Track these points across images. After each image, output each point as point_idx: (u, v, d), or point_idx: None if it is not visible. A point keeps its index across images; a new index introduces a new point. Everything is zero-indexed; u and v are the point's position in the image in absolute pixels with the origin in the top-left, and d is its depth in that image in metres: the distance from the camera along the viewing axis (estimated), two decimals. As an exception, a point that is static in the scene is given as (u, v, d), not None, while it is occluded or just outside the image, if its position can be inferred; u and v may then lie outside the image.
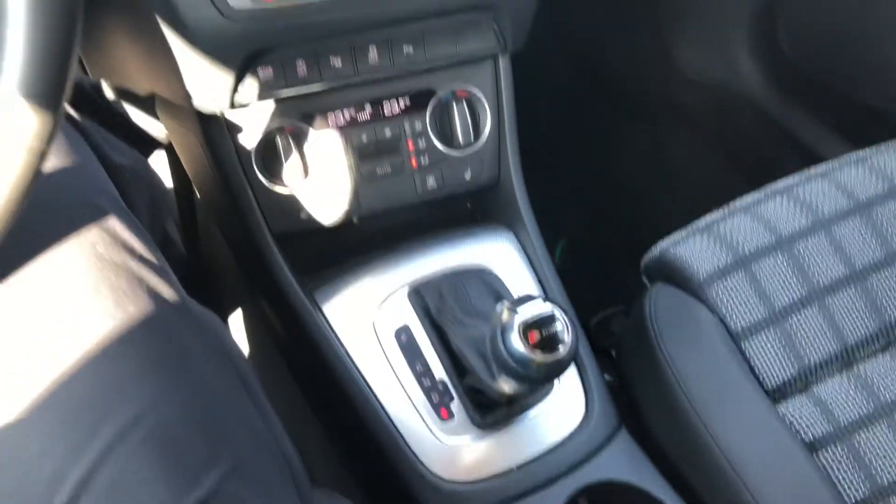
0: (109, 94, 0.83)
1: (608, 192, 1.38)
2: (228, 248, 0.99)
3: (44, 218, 0.44)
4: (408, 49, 0.77)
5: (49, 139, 0.41)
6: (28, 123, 0.40)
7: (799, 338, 0.75)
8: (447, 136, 0.84)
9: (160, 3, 0.64)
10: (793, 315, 0.76)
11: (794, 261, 0.78)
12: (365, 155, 0.82)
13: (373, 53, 0.76)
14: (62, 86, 0.41)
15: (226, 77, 0.71)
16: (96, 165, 0.58)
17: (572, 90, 1.37)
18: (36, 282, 0.47)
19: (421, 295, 0.79)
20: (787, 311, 0.76)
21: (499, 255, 0.85)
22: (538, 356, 0.61)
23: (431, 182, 0.85)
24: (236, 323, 1.07)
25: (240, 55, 0.70)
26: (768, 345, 0.74)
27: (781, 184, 0.87)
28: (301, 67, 0.74)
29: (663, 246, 0.83)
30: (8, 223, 0.41)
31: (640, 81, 1.38)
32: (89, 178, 0.54)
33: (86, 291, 0.47)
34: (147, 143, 0.81)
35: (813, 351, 0.75)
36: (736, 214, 0.83)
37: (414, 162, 0.84)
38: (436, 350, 0.76)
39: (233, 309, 1.07)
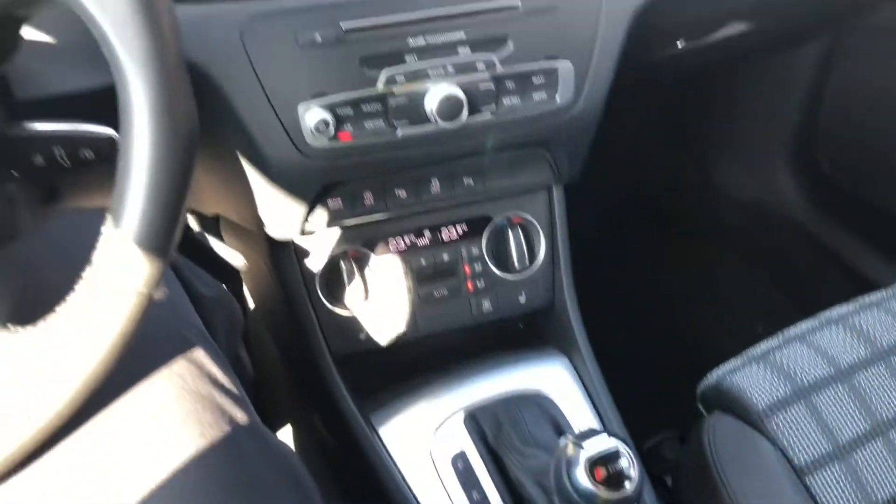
0: (194, 225, 0.88)
1: (654, 309, 1.39)
2: (281, 362, 1.01)
3: (138, 350, 0.47)
4: (468, 181, 0.81)
5: (157, 283, 0.44)
6: (140, 269, 0.43)
7: (866, 475, 0.73)
8: (503, 261, 0.87)
9: (244, 144, 0.69)
10: (858, 450, 0.74)
11: (855, 393, 0.78)
12: (423, 278, 0.85)
13: (435, 185, 0.80)
14: (174, 235, 0.44)
15: (298, 208, 0.75)
16: (184, 298, 0.61)
17: (617, 209, 1.40)
18: (129, 411, 0.49)
19: (477, 420, 0.79)
20: (852, 445, 0.74)
21: (554, 380, 0.85)
22: (604, 493, 0.60)
23: (487, 305, 0.87)
24: (284, 431, 1.08)
25: (313, 188, 0.74)
26: (834, 481, 0.73)
27: (836, 312, 0.87)
28: (368, 198, 0.78)
29: (719, 374, 0.83)
30: (115, 362, 0.43)
31: (682, 200, 1.42)
32: (178, 312, 0.57)
33: (174, 423, 0.49)
34: (225, 271, 0.86)
35: (880, 488, 0.73)
36: (792, 343, 0.83)
37: (470, 285, 0.86)
38: (493, 479, 0.76)
39: (281, 419, 1.08)
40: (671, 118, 1.34)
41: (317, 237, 0.80)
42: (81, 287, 0.43)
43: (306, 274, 0.81)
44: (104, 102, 0.68)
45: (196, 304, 0.63)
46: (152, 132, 0.41)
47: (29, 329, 0.43)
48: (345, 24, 0.67)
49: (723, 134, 1.37)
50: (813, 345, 0.83)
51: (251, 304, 1.04)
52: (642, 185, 1.43)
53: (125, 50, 0.41)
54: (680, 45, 0.91)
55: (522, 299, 0.88)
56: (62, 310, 0.43)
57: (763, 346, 0.85)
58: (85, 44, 0.63)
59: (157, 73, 0.41)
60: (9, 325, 0.44)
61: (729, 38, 0.96)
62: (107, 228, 0.43)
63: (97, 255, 0.44)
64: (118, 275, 0.43)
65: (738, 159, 1.39)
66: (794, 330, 0.87)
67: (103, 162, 0.58)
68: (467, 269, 0.86)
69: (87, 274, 0.44)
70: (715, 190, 1.41)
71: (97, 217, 0.56)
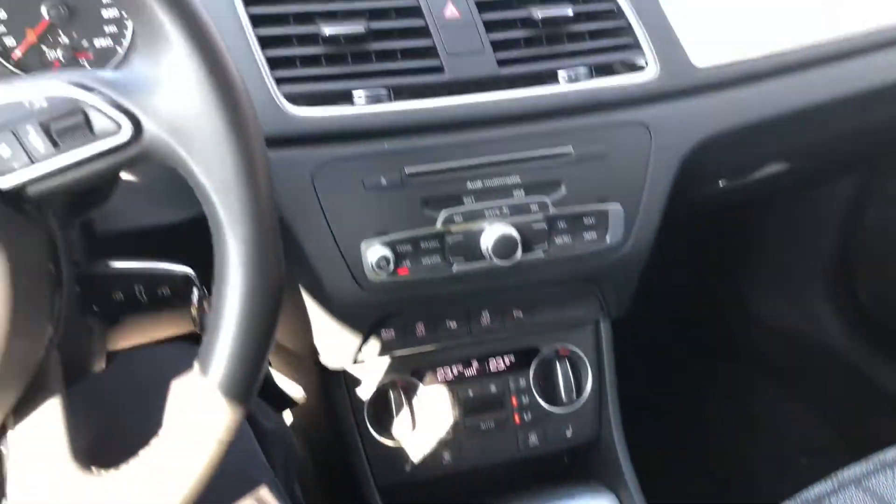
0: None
1: (698, 440, 1.36)
2: (317, 488, 1.00)
3: (208, 487, 0.47)
4: (518, 314, 0.82)
5: (236, 431, 0.45)
6: (224, 419, 0.44)
7: None
8: (550, 394, 0.87)
9: (308, 278, 0.72)
10: None
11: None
12: (470, 409, 0.85)
13: (486, 318, 0.81)
14: (257, 385, 0.45)
15: (353, 338, 0.77)
16: (250, 434, 0.62)
17: (659, 338, 1.41)
18: None
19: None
20: None
21: (602, 518, 0.84)
22: None
23: (533, 438, 0.86)
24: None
25: (369, 320, 0.76)
26: None
27: (890, 455, 0.85)
28: (420, 329, 0.80)
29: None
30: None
31: (723, 329, 1.42)
32: (245, 449, 0.58)
33: None
34: (284, 402, 0.87)
35: None
36: (847, 488, 0.81)
37: (517, 418, 0.86)
38: None
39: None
40: (710, 248, 1.37)
41: (367, 366, 0.82)
42: (164, 433, 0.45)
43: (355, 402, 0.82)
44: (179, 236, 0.72)
45: (259, 436, 0.63)
46: (245, 291, 0.44)
47: (112, 472, 0.44)
48: (408, 169, 0.70)
49: (761, 263, 1.38)
50: (870, 490, 0.81)
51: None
52: (684, 314, 1.44)
53: (227, 214, 0.44)
54: (721, 184, 0.95)
55: (569, 433, 0.87)
56: (145, 455, 0.44)
57: (816, 490, 0.83)
58: (162, 181, 0.67)
59: (254, 237, 0.44)
60: (92, 467, 0.45)
61: (767, 177, 0.99)
62: (193, 376, 0.45)
63: (181, 402, 0.45)
64: (202, 423, 0.44)
65: (776, 288, 1.39)
66: (847, 473, 0.85)
67: (179, 298, 0.61)
68: (514, 400, 0.86)
69: (170, 419, 0.45)
70: (755, 318, 1.41)
71: (171, 352, 0.58)
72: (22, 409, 0.46)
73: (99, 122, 0.43)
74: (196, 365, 0.45)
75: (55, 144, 0.43)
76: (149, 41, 0.43)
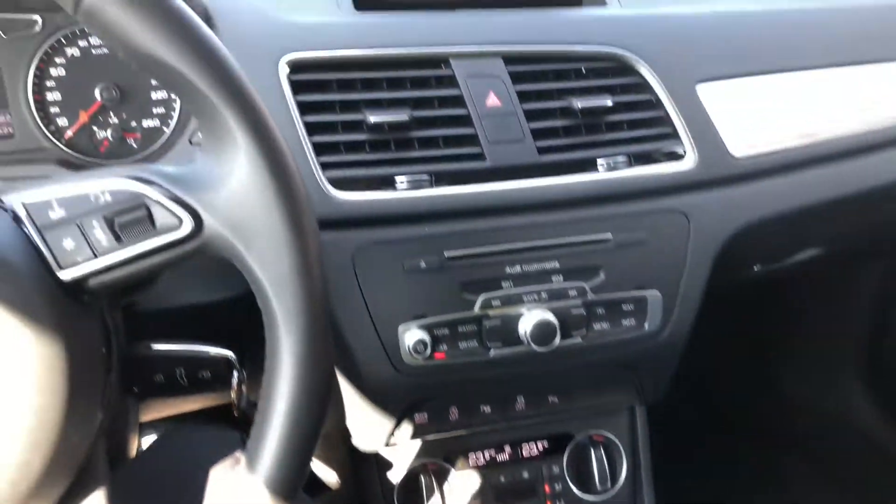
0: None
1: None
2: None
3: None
4: (553, 399, 0.81)
5: None
6: None
7: None
8: (584, 481, 0.85)
9: (343, 360, 0.71)
10: None
11: None
12: (501, 496, 0.83)
13: (520, 402, 0.80)
14: (304, 479, 0.45)
15: (386, 421, 0.76)
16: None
17: (691, 418, 1.38)
18: None
19: None
20: None
21: None
22: None
23: (567, 527, 0.84)
24: None
25: (403, 403, 0.75)
26: None
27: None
28: (453, 413, 0.78)
29: None
30: None
31: (755, 409, 1.39)
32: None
33: None
34: (318, 488, 0.86)
35: None
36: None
37: (550, 506, 0.84)
38: None
39: None
40: (740, 327, 1.35)
41: (398, 449, 0.80)
42: None
43: (385, 486, 0.81)
44: (217, 315, 0.72)
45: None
46: (296, 388, 0.44)
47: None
48: (448, 253, 0.71)
49: (792, 342, 1.36)
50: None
51: None
52: (712, 393, 1.41)
53: (281, 309, 0.44)
54: (756, 268, 0.94)
55: (603, 522, 0.85)
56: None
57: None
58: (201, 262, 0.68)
59: (307, 334, 0.44)
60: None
61: (801, 262, 0.98)
62: (239, 470, 0.44)
63: (225, 495, 0.45)
64: None
65: (809, 369, 1.37)
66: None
67: (219, 382, 0.61)
68: (547, 487, 0.84)
69: None
70: (785, 398, 1.39)
71: (210, 437, 0.58)
72: (68, 502, 0.45)
73: (161, 216, 0.44)
74: (243, 459, 0.45)
75: (118, 238, 0.43)
76: (214, 140, 0.44)
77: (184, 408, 0.75)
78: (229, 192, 0.44)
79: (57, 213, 0.44)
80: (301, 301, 0.44)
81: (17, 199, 0.44)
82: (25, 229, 0.44)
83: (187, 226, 0.44)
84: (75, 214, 0.43)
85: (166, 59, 0.41)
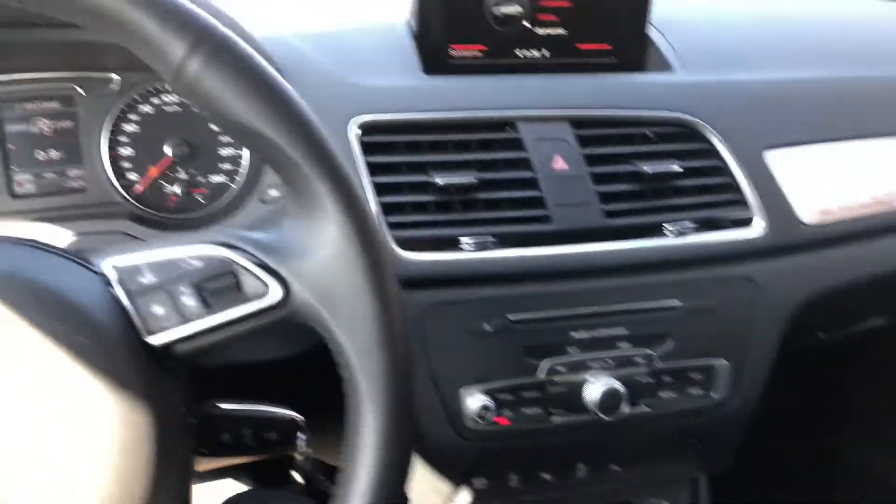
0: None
1: None
2: None
3: None
4: (614, 467, 0.79)
5: None
6: None
7: None
8: (643, 554, 0.82)
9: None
10: None
11: None
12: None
13: (581, 470, 0.78)
14: None
15: (444, 486, 0.74)
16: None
17: (745, 489, 1.33)
18: None
19: None
20: None
21: None
22: None
23: None
24: None
25: (462, 468, 0.74)
26: None
27: None
28: (513, 480, 0.77)
29: None
30: None
31: (816, 479, 1.34)
32: None
33: None
34: None
35: None
36: None
37: (609, 580, 0.81)
38: None
39: None
40: (800, 393, 1.31)
41: (456, 513, 0.78)
42: None
43: (441, 554, 0.78)
44: (278, 373, 0.72)
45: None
46: (380, 461, 0.43)
47: None
48: (512, 316, 0.70)
49: (854, 411, 1.32)
50: None
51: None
52: (779, 465, 1.37)
53: (366, 378, 0.43)
54: (820, 335, 0.92)
55: None
56: None
57: None
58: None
59: (391, 406, 0.43)
60: None
61: (867, 330, 0.96)
62: None
63: None
64: None
65: (871, 437, 1.32)
66: None
67: (284, 443, 0.60)
68: (608, 559, 0.81)
69: None
70: (847, 468, 1.33)
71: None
72: None
73: (250, 284, 0.44)
74: None
75: (207, 305, 0.43)
76: (304, 209, 0.44)
77: (238, 461, 0.74)
78: (318, 262, 0.44)
79: (147, 279, 0.44)
80: (385, 370, 0.43)
81: (109, 263, 0.44)
82: (115, 293, 0.44)
83: (275, 294, 0.44)
84: (165, 280, 0.44)
85: (262, 129, 0.42)
